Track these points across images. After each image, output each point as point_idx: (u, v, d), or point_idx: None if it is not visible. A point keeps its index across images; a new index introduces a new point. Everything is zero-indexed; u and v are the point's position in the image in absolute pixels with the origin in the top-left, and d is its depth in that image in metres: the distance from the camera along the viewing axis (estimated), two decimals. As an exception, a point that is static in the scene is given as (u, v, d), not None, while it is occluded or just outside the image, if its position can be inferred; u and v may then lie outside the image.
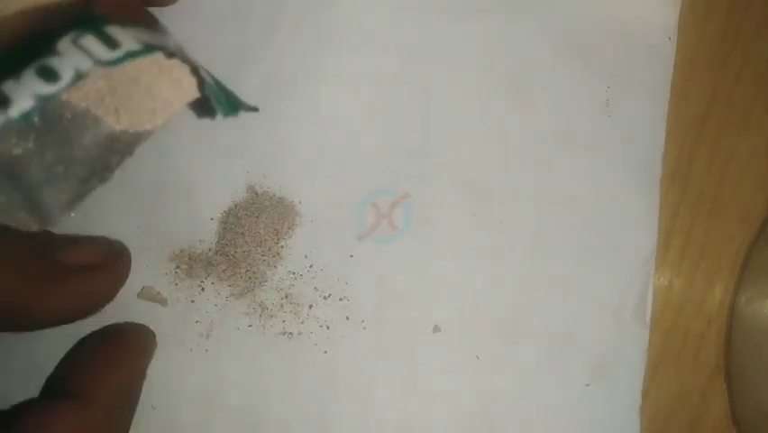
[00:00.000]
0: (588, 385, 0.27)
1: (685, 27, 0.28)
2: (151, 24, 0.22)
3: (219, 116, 0.23)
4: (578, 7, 0.28)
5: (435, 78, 0.28)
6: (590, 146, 0.28)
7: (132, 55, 0.20)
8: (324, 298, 0.29)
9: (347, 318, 0.29)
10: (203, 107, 0.25)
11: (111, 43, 0.20)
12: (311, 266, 0.29)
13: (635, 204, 0.28)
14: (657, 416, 0.27)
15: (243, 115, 0.23)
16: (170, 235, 0.29)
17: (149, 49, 0.20)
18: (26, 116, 0.19)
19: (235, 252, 0.29)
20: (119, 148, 0.22)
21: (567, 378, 0.27)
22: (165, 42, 0.21)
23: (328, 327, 0.29)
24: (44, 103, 0.19)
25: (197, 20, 0.27)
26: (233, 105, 0.24)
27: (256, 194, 0.29)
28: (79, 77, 0.19)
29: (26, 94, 0.19)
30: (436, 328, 0.28)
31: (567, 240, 0.28)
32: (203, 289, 0.29)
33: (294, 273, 0.29)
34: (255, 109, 0.24)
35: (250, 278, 0.29)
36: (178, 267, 0.29)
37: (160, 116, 0.22)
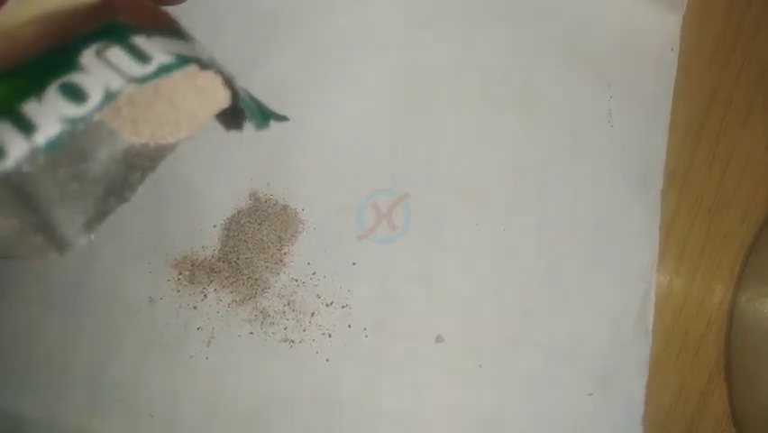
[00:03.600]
0: (591, 395, 0.27)
1: (685, 29, 0.28)
2: (177, 31, 0.20)
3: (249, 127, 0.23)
4: (582, 19, 0.28)
5: (441, 86, 0.28)
6: (593, 156, 0.28)
7: (165, 69, 0.18)
8: (327, 305, 0.29)
9: (349, 327, 0.28)
10: (231, 118, 0.24)
11: (141, 57, 0.18)
12: (314, 273, 0.29)
13: (636, 214, 0.27)
14: (657, 415, 0.27)
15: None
16: (173, 242, 0.29)
17: (182, 60, 0.19)
18: (53, 144, 0.17)
19: (238, 258, 0.29)
20: (139, 163, 0.20)
21: (570, 388, 0.27)
22: (196, 52, 0.20)
23: (330, 335, 0.29)
24: (73, 127, 0.17)
25: (198, 24, 0.27)
26: (265, 115, 0.23)
27: (259, 201, 0.29)
28: (110, 97, 0.18)
29: (53, 117, 0.17)
30: (439, 338, 0.28)
31: (569, 250, 0.28)
32: (205, 295, 0.29)
33: (297, 280, 0.29)
34: (285, 119, 0.24)
35: (252, 285, 0.29)
36: (180, 274, 0.29)
37: (184, 129, 0.20)
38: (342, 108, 0.29)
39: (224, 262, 0.29)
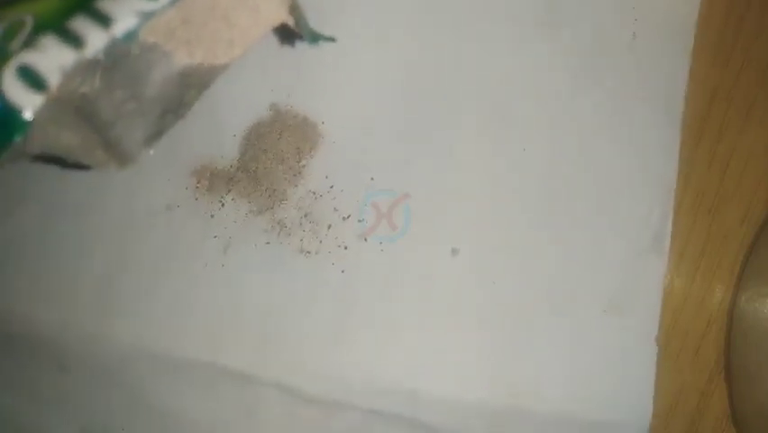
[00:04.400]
0: (605, 312, 0.27)
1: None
2: None
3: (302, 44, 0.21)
4: None
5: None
6: (615, 78, 0.28)
7: None
8: (344, 219, 0.29)
9: (365, 240, 0.29)
10: (283, 36, 0.23)
11: None
12: (331, 187, 0.29)
13: (655, 135, 0.27)
14: (658, 415, 0.27)
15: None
16: (192, 150, 0.29)
17: None
18: (130, 35, 0.18)
19: (257, 168, 0.29)
20: (194, 82, 0.20)
21: (584, 304, 0.27)
22: None
23: (346, 248, 0.29)
24: (146, 20, 0.18)
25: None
26: (316, 35, 0.23)
27: (279, 112, 0.29)
28: None
29: (128, 11, 0.18)
30: (454, 251, 0.28)
31: (588, 169, 0.28)
32: (223, 204, 0.29)
33: (314, 193, 0.29)
34: (333, 40, 0.24)
35: (270, 195, 0.29)
36: (198, 182, 0.29)
37: (237, 47, 0.21)
38: (365, 32, 0.29)
39: (242, 171, 0.29)
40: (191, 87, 0.20)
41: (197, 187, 0.29)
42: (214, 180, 0.29)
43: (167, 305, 0.29)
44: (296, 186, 0.29)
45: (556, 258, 0.27)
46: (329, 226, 0.29)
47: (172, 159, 0.29)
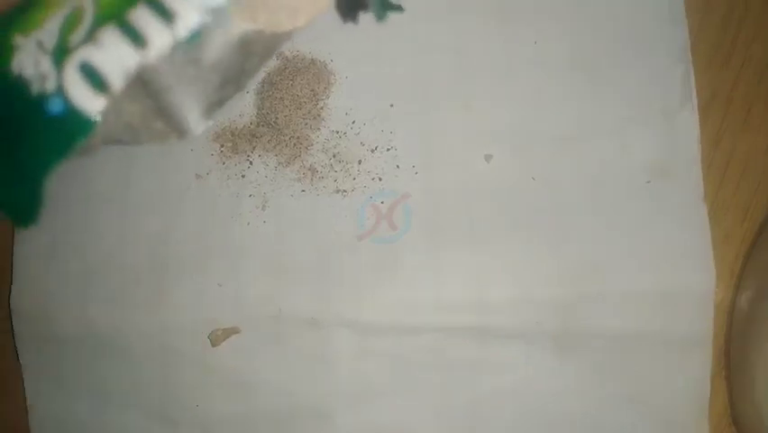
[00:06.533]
0: (649, 182, 0.27)
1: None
2: None
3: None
4: None
5: None
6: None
7: None
8: (372, 151, 0.29)
9: (398, 167, 0.29)
10: (349, 8, 0.23)
11: None
12: (353, 122, 0.29)
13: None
14: None
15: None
16: (210, 116, 0.29)
17: None
18: (195, 35, 0.17)
19: (276, 119, 0.29)
20: (255, 51, 0.19)
21: (627, 180, 0.27)
22: None
23: (380, 179, 0.29)
24: (211, 18, 0.17)
25: None
26: (384, 5, 0.22)
27: (287, 59, 0.29)
28: None
29: (192, 6, 0.17)
30: (488, 157, 0.28)
31: (604, 48, 0.28)
32: (251, 162, 0.29)
33: (338, 132, 0.29)
34: (401, 9, 0.23)
35: (295, 144, 0.29)
36: (222, 146, 0.29)
37: (302, 16, 0.20)
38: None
39: (263, 125, 0.29)
40: (252, 54, 0.19)
41: (222, 150, 0.29)
42: (237, 141, 0.29)
43: (219, 272, 0.29)
44: (318, 129, 0.29)
45: (591, 142, 0.27)
46: (359, 162, 0.29)
47: (191, 129, 0.29)
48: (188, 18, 0.17)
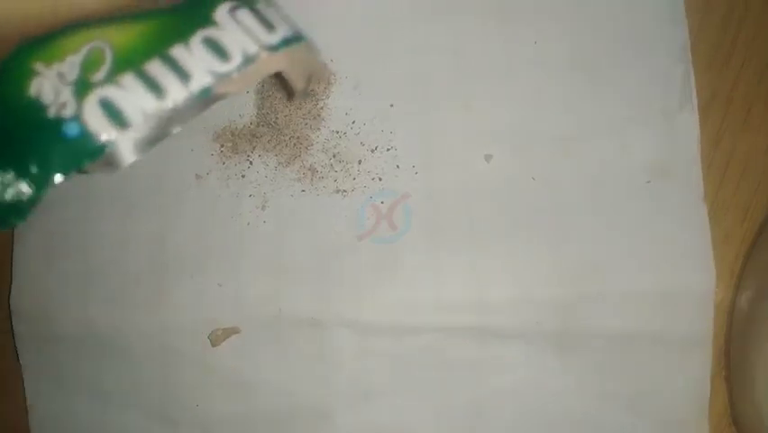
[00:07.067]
0: (649, 182, 0.27)
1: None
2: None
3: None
4: None
5: None
6: None
7: (287, 42, 0.20)
8: (372, 151, 0.29)
9: (398, 167, 0.29)
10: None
11: (267, 24, 0.20)
12: (353, 122, 0.29)
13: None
14: None
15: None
16: (209, 116, 0.29)
17: (299, 37, 0.20)
18: (205, 92, 0.19)
19: (276, 119, 0.29)
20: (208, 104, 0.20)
21: (627, 180, 0.27)
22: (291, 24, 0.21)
23: (380, 179, 0.29)
24: (218, 80, 0.19)
25: None
26: None
27: (287, 59, 0.29)
28: (249, 60, 0.19)
29: (203, 69, 0.19)
30: (488, 157, 0.28)
31: (604, 48, 0.28)
32: (251, 162, 0.29)
33: (338, 132, 0.29)
34: None
35: (295, 144, 0.29)
36: (222, 146, 0.29)
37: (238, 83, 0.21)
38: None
39: (263, 125, 0.29)
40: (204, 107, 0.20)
41: (222, 150, 0.29)
42: (237, 141, 0.29)
43: (219, 272, 0.29)
44: (318, 129, 0.29)
45: (591, 142, 0.27)
46: (359, 162, 0.29)
47: (191, 129, 0.29)
48: (200, 79, 0.19)
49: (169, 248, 0.29)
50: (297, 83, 0.21)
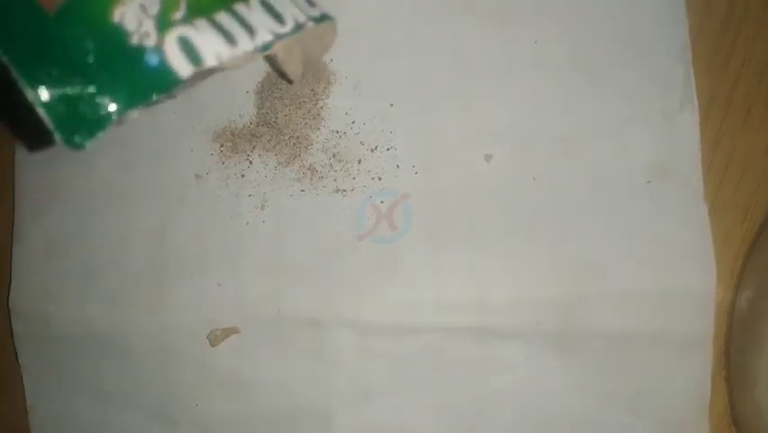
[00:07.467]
0: (649, 182, 0.27)
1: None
2: None
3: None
4: None
5: None
6: None
7: (320, 19, 0.23)
8: (372, 150, 0.29)
9: (397, 167, 0.29)
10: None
11: (310, 2, 0.24)
12: (353, 122, 0.29)
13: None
14: None
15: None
16: (209, 116, 0.29)
17: (326, 16, 0.24)
18: (267, 46, 0.21)
19: (276, 119, 0.29)
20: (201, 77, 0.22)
21: (627, 180, 0.27)
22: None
23: (380, 179, 0.29)
24: (276, 40, 0.22)
25: None
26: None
27: (287, 59, 0.29)
28: (298, 27, 0.22)
29: (266, 29, 0.21)
30: (488, 157, 0.28)
31: (604, 48, 0.28)
32: (251, 162, 0.29)
33: (338, 132, 0.29)
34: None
35: (295, 143, 0.29)
36: (222, 145, 0.29)
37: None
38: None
39: (263, 125, 0.29)
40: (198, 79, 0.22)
41: (222, 150, 0.29)
42: (236, 141, 0.29)
43: (218, 272, 0.29)
44: (318, 129, 0.29)
45: (591, 141, 0.27)
46: (359, 161, 0.29)
47: (191, 128, 0.29)
48: (263, 35, 0.21)
49: (169, 248, 0.29)
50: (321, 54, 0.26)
